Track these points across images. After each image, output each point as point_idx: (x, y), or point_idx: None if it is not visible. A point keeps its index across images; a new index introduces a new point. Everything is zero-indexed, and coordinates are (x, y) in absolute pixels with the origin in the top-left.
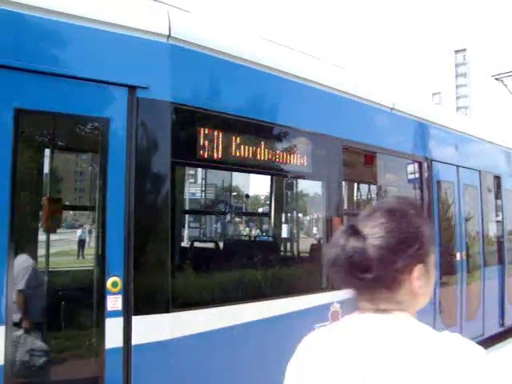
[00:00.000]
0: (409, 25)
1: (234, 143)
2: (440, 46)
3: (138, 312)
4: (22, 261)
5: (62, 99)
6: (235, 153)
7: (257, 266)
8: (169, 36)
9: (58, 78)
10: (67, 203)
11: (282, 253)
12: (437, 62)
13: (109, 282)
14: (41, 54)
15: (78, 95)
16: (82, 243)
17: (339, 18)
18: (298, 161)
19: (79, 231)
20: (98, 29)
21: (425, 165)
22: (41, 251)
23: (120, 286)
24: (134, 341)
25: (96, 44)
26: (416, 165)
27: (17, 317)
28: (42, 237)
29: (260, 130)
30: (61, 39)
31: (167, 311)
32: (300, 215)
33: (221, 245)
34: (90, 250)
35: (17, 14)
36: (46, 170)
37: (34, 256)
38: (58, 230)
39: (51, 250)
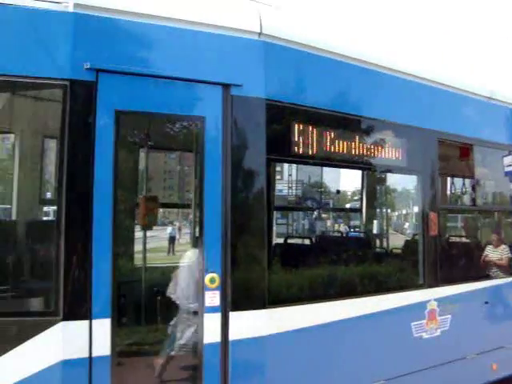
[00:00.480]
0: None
1: (327, 138)
2: None
3: (235, 308)
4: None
5: (158, 99)
6: (329, 148)
7: (351, 262)
8: (260, 33)
9: (154, 79)
10: (163, 201)
11: (377, 249)
12: None
13: (207, 278)
14: (138, 56)
15: (174, 95)
16: (171, 240)
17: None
18: (392, 155)
19: (169, 228)
20: (191, 29)
21: None
22: (137, 247)
23: (218, 282)
24: (231, 336)
25: (189, 44)
26: None
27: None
28: (138, 233)
29: (353, 125)
30: (156, 41)
31: (264, 307)
32: (394, 211)
33: (315, 241)
34: (184, 246)
35: (113, 20)
36: (144, 168)
37: (132, 252)
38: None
39: (139, 246)
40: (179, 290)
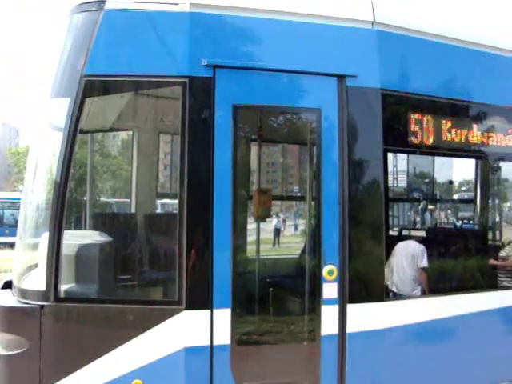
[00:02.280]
0: None
1: (444, 127)
2: None
3: (353, 300)
4: (418, 245)
5: (274, 93)
6: (446, 138)
7: (468, 256)
8: (373, 22)
9: (269, 72)
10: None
11: (495, 243)
12: None
13: (325, 270)
14: (252, 51)
15: (290, 88)
16: (277, 232)
17: None
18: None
19: (275, 220)
20: (304, 22)
21: None
22: (250, 239)
23: (336, 274)
24: (349, 329)
25: (303, 36)
26: None
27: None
28: (251, 225)
29: (471, 112)
30: (269, 35)
31: (382, 300)
32: None
33: (431, 234)
34: (288, 238)
35: (227, 17)
36: (258, 162)
37: (246, 244)
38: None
39: (252, 238)
40: (397, 277)
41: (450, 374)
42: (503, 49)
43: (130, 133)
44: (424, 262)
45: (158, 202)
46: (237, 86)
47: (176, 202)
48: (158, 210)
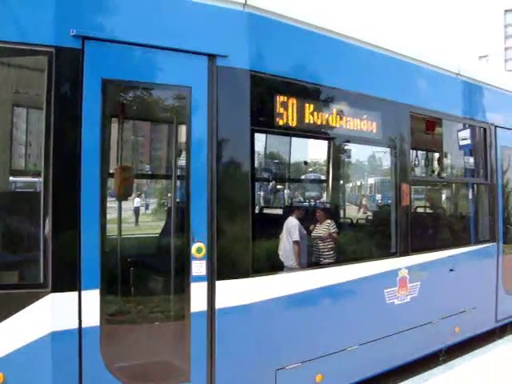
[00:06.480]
0: None
1: (308, 110)
2: (488, 6)
3: (221, 277)
4: (291, 221)
5: (145, 69)
6: (310, 120)
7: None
8: (245, 4)
9: (141, 47)
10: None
11: (348, 220)
12: (484, 23)
13: (193, 248)
14: (124, 25)
15: (161, 65)
16: (137, 211)
17: None
18: (368, 127)
19: (137, 199)
20: None
21: (489, 131)
22: (112, 217)
23: (204, 251)
24: (218, 305)
25: (176, 13)
26: (481, 131)
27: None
28: (113, 204)
29: (334, 97)
30: (141, 10)
31: (248, 276)
32: (365, 182)
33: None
34: (150, 217)
35: None
36: (129, 139)
37: (113, 222)
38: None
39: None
40: (282, 250)
41: (310, 342)
42: (363, 41)
43: None
44: (295, 237)
45: (20, 179)
46: (107, 60)
47: (40, 180)
48: (20, 189)
